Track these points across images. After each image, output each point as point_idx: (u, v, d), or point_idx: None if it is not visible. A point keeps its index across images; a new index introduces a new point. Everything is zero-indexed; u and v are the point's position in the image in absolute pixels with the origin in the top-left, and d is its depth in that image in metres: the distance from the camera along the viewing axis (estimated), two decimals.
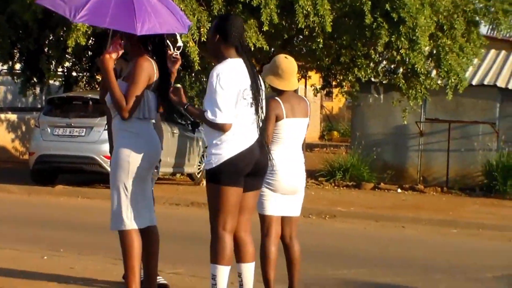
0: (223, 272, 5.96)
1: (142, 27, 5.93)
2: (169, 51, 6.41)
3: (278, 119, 6.48)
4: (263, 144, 6.06)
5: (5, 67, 19.39)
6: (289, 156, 6.57)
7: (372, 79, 17.69)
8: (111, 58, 6.08)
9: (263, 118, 6.05)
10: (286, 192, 6.57)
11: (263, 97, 6.09)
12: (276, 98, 6.51)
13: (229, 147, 5.84)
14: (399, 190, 17.67)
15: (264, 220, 6.60)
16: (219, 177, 5.87)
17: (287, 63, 6.60)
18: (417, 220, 13.36)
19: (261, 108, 6.03)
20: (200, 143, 17.33)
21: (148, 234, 6.22)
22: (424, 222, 13.23)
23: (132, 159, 6.06)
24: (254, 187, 6.08)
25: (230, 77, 5.82)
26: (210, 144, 5.90)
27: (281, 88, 6.56)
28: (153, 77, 6.17)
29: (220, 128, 5.80)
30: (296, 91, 6.84)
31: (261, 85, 6.07)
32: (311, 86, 19.52)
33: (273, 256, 6.54)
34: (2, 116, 22.67)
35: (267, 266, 6.54)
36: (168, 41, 6.50)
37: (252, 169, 5.94)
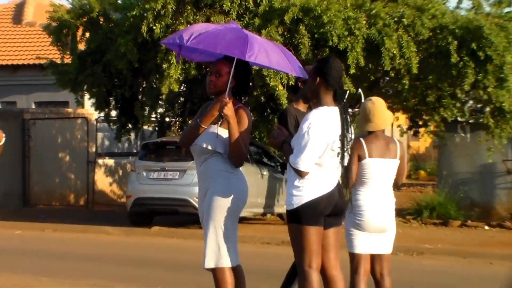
0: None
1: (253, 55, 6.01)
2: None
3: (360, 158, 6.55)
4: (341, 188, 6.11)
5: (102, 114, 19.82)
6: (376, 196, 6.61)
7: (459, 118, 17.55)
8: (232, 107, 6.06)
9: (345, 164, 6.11)
10: (373, 231, 6.61)
11: (350, 145, 6.13)
12: (360, 139, 6.59)
13: (310, 189, 5.89)
14: (486, 228, 17.40)
15: (353, 258, 6.66)
16: (300, 217, 5.91)
17: (371, 105, 6.71)
18: (505, 257, 13.10)
19: (347, 156, 6.08)
20: None
21: (236, 273, 6.23)
22: None
23: (234, 199, 6.11)
24: (334, 225, 6.10)
25: (321, 129, 5.86)
26: (291, 184, 5.95)
27: (368, 130, 6.66)
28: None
29: (298, 173, 5.88)
30: (383, 131, 6.89)
31: (351, 134, 6.11)
32: (398, 127, 19.48)
33: None
34: (100, 161, 23.10)
35: None
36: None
37: (331, 210, 5.98)
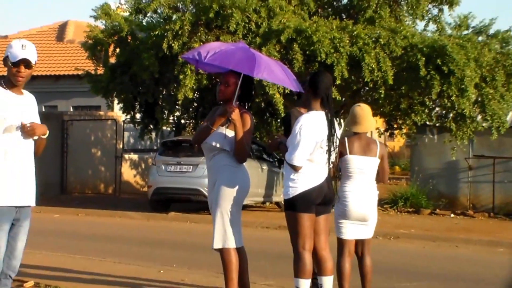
0: (305, 285, 5.96)
1: (260, 72, 6.06)
2: None
3: (342, 154, 6.39)
4: (330, 181, 6.07)
5: (128, 116, 19.76)
6: (359, 189, 6.46)
7: (427, 122, 17.45)
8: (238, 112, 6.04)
9: (333, 160, 6.06)
10: (356, 219, 6.47)
11: (337, 143, 6.06)
12: (344, 138, 6.44)
13: (304, 182, 5.86)
14: (452, 215, 17.31)
15: (340, 242, 6.56)
16: (295, 205, 5.90)
17: (359, 110, 6.56)
18: (468, 241, 13.02)
19: (334, 153, 6.03)
20: None
21: (240, 253, 6.18)
22: (474, 243, 12.90)
23: (237, 190, 6.07)
24: (324, 212, 6.08)
25: (311, 130, 5.84)
26: (288, 177, 5.93)
27: (355, 131, 6.51)
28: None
29: (292, 167, 5.85)
30: (366, 133, 6.66)
31: (336, 135, 6.04)
32: (376, 129, 19.39)
33: (347, 271, 6.50)
34: (126, 156, 23.12)
35: (341, 279, 6.51)
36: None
37: (321, 200, 5.95)
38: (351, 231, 6.50)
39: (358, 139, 6.49)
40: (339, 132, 6.12)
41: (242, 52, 6.22)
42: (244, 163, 6.20)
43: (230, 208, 6.04)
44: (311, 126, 5.86)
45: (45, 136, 5.07)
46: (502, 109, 16.21)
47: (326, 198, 6.00)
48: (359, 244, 6.61)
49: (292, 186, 5.88)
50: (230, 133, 6.06)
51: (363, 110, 6.55)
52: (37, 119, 5.08)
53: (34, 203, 5.03)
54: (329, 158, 5.97)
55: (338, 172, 6.50)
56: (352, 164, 6.43)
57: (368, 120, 6.54)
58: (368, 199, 6.50)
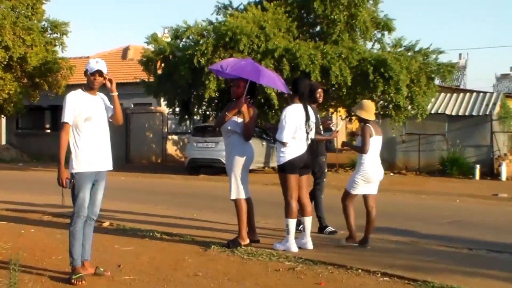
0: (292, 223, 5.99)
1: (263, 80, 6.16)
2: (332, 126, 6.58)
3: (371, 136, 6.16)
4: (310, 152, 6.00)
5: (171, 110, 19.72)
6: (374, 160, 6.26)
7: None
8: (246, 106, 6.06)
9: (310, 138, 6.01)
10: (372, 181, 6.25)
11: (313, 126, 6.03)
12: (368, 125, 6.18)
13: (290, 152, 5.88)
14: (391, 174, 17.32)
15: (347, 195, 6.29)
16: (285, 169, 5.91)
17: (369, 102, 6.38)
18: (402, 191, 13.06)
19: (311, 132, 5.99)
20: None
21: (248, 202, 6.18)
22: (407, 192, 12.92)
23: (245, 159, 6.06)
24: (305, 173, 6.07)
25: (292, 117, 5.86)
26: (279, 150, 5.95)
27: (369, 118, 6.22)
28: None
29: (281, 143, 5.87)
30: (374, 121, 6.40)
31: (311, 120, 6.00)
32: (339, 116, 19.33)
33: (352, 213, 6.31)
34: (170, 137, 23.10)
35: (349, 217, 6.33)
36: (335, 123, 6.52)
37: (303, 165, 5.94)
38: (361, 189, 6.26)
39: (373, 124, 6.24)
40: (313, 117, 6.10)
41: (250, 66, 6.23)
42: (250, 141, 6.18)
43: (241, 171, 6.05)
44: (292, 114, 5.87)
45: (116, 94, 4.93)
46: (424, 101, 16.30)
47: (307, 164, 6.01)
48: (369, 199, 6.31)
49: (282, 156, 5.90)
50: (240, 120, 6.07)
51: (371, 103, 6.35)
52: (108, 107, 5.03)
53: (110, 167, 5.00)
54: (307, 136, 5.95)
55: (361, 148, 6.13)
56: (376, 142, 6.20)
57: (373, 111, 6.30)
58: (380, 166, 6.32)
